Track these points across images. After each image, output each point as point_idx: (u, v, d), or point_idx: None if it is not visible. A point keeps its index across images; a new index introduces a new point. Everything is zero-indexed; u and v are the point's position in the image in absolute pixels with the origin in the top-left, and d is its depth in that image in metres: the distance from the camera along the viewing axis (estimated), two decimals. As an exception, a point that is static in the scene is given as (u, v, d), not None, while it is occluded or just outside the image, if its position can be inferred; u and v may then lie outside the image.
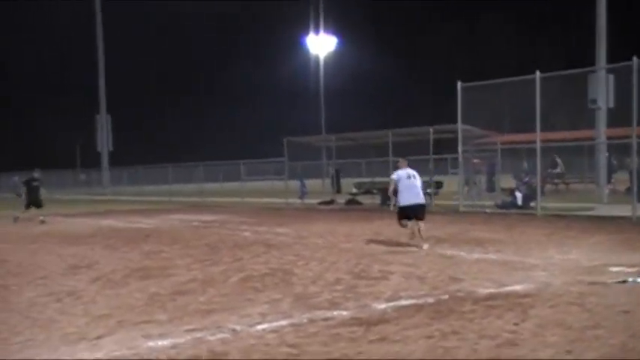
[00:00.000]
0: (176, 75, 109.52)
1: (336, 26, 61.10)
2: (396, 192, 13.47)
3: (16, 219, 23.23)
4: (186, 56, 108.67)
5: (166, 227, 20.27)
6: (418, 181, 13.30)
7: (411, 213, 13.12)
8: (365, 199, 28.46)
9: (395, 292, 8.37)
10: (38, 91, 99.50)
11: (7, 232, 20.11)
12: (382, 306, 7.53)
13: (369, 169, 31.70)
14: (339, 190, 31.75)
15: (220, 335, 6.38)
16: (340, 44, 61.83)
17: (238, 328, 6.65)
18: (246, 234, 17.04)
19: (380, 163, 28.53)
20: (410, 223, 13.28)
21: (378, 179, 29.05)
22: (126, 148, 63.70)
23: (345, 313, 7.22)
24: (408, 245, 13.14)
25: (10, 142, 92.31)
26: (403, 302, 7.70)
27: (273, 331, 6.50)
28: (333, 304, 7.69)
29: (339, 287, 8.82)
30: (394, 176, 13.51)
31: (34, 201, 23.66)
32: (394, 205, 14.31)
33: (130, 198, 44.50)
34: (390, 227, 13.67)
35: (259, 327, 6.68)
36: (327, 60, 60.36)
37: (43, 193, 24.30)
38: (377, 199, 27.13)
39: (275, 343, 6.04)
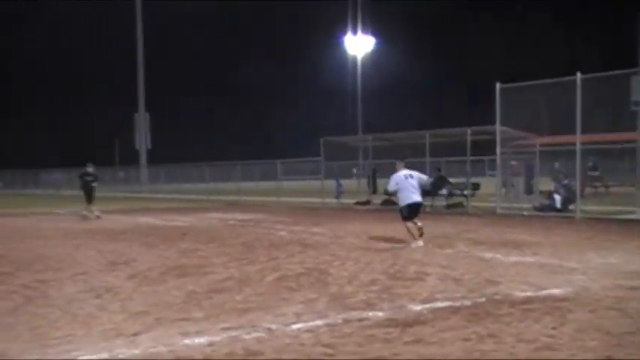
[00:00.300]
0: (214, 74, 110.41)
1: (374, 26, 60.97)
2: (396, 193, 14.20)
3: (84, 217, 23.49)
4: (224, 56, 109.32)
5: (203, 225, 20.42)
6: (415, 181, 13.99)
7: (411, 211, 13.86)
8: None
9: (431, 293, 8.33)
10: (78, 88, 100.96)
11: (48, 227, 20.45)
12: (418, 307, 7.49)
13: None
14: (375, 191, 31.64)
15: (256, 334, 6.41)
16: (378, 44, 61.68)
17: (274, 327, 6.67)
18: (283, 233, 17.09)
19: (417, 164, 28.38)
20: (410, 223, 13.88)
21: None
22: (164, 146, 64.30)
23: (380, 313, 7.20)
24: (445, 247, 13.07)
25: (51, 139, 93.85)
26: (439, 304, 7.65)
27: (309, 330, 6.51)
28: (369, 305, 7.68)
29: (374, 288, 8.80)
30: (393, 179, 14.09)
31: (86, 194, 24.02)
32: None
33: (167, 196, 44.96)
34: (426, 227, 13.60)
35: (294, 326, 6.69)
36: (364, 60, 60.29)
37: (97, 188, 24.62)
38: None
39: (310, 343, 6.05)
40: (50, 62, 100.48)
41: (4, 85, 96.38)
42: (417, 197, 13.95)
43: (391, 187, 14.13)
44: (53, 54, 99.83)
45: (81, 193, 24.84)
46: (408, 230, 13.88)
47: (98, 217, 23.10)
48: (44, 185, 62.03)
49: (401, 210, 14.09)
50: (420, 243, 13.42)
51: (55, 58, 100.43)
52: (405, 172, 14.09)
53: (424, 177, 14.65)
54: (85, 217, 23.36)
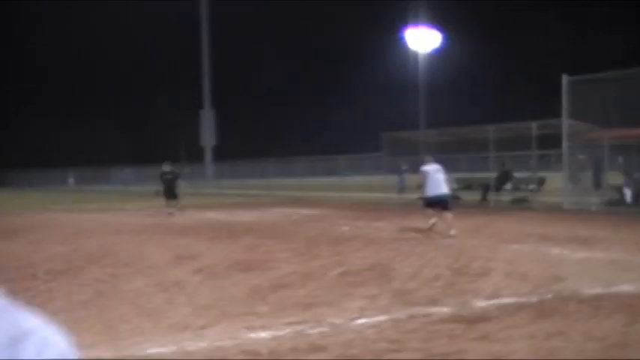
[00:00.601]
0: (278, 71, 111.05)
1: (437, 20, 60.39)
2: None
3: (170, 214, 23.93)
4: (286, 52, 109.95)
5: (267, 221, 20.60)
6: (442, 175, 14.98)
7: (436, 203, 14.87)
8: (465, 195, 28.04)
9: (496, 289, 8.23)
10: (144, 85, 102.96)
11: (118, 222, 20.96)
12: (483, 303, 7.42)
13: (468, 165, 31.21)
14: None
15: (320, 329, 6.44)
16: (441, 38, 61.09)
17: (338, 322, 6.70)
18: (346, 228, 17.11)
19: (480, 159, 28.02)
20: (432, 212, 14.93)
21: (478, 175, 28.56)
22: (229, 143, 65.03)
23: (444, 309, 7.15)
24: (510, 242, 12.89)
25: (121, 137, 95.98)
26: (504, 300, 7.56)
27: (373, 326, 6.51)
28: (433, 301, 7.63)
29: (438, 283, 8.75)
30: (424, 170, 15.16)
31: (166, 192, 24.48)
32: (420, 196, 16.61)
33: (232, 192, 45.48)
34: (491, 223, 13.41)
35: (358, 321, 6.70)
36: (427, 54, 59.79)
37: (180, 185, 25.03)
38: (477, 195, 26.68)
39: (374, 338, 6.05)
40: (121, 61, 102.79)
41: (78, 87, 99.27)
42: (442, 190, 14.86)
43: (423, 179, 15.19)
44: (125, 54, 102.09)
45: (160, 190, 25.22)
46: (429, 220, 14.92)
47: (170, 214, 23.45)
48: (114, 182, 63.50)
49: (426, 201, 15.23)
50: (453, 232, 14.19)
51: (125, 58, 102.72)
52: (435, 166, 15.12)
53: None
54: (171, 214, 23.64)
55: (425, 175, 14.98)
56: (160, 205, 25.14)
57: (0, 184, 70.45)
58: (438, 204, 14.79)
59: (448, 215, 14.60)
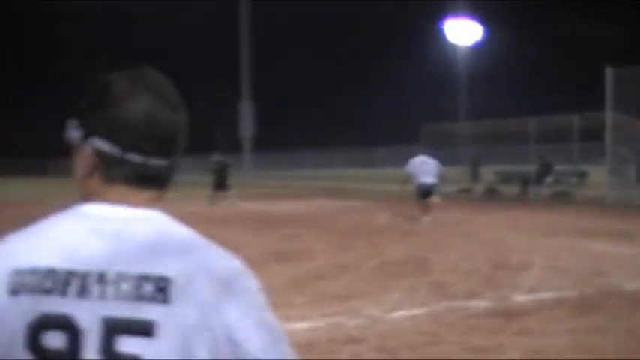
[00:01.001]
0: (317, 62, 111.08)
1: (477, 12, 59.74)
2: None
3: (212, 203, 24.14)
4: (325, 44, 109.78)
5: (305, 212, 20.66)
6: (429, 166, 16.62)
7: (423, 190, 16.47)
8: (504, 188, 27.79)
9: (535, 283, 8.14)
10: (183, 76, 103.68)
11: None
12: (522, 297, 7.35)
13: (508, 158, 30.90)
14: (477, 179, 31.15)
15: (357, 320, 6.45)
16: (481, 31, 60.45)
17: (375, 313, 6.69)
18: (383, 220, 17.09)
19: (520, 151, 27.74)
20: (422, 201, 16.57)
21: (517, 167, 28.26)
22: (267, 133, 65.28)
23: (483, 303, 7.10)
24: (550, 236, 12.75)
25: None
26: (544, 294, 7.48)
27: (410, 318, 6.50)
28: (471, 294, 7.58)
29: (476, 276, 8.69)
30: (410, 163, 17.11)
31: (216, 184, 24.69)
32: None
33: (270, 182, 45.69)
34: (530, 217, 13.26)
35: (396, 314, 6.69)
36: (467, 46, 59.25)
37: (232, 175, 25.23)
38: (516, 188, 26.41)
39: (411, 331, 6.03)
40: (161, 50, 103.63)
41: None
42: (427, 179, 16.46)
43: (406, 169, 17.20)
44: (164, 43, 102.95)
45: (210, 180, 25.40)
46: (419, 207, 16.55)
47: (213, 203, 23.59)
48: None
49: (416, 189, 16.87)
50: (427, 219, 15.89)
51: (163, 48, 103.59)
52: (422, 158, 16.90)
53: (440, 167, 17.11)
54: (233, 204, 23.79)
55: (412, 167, 16.85)
56: (204, 195, 25.29)
57: (42, 173, 71.65)
58: (424, 191, 16.48)
59: (431, 201, 16.50)
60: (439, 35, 62.35)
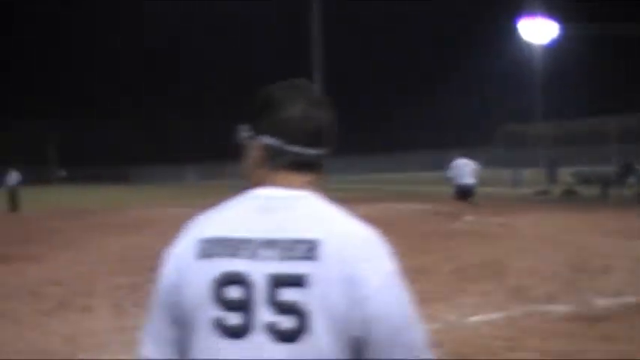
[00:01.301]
0: (385, 63, 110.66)
1: (553, 11, 58.44)
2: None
3: None
4: (393, 43, 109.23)
5: (378, 215, 20.58)
6: (470, 167, 18.41)
7: (460, 192, 18.46)
8: (583, 190, 27.09)
9: (618, 287, 7.91)
10: (252, 77, 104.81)
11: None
12: (604, 302, 7.15)
13: (586, 158, 30.13)
14: (554, 180, 30.48)
15: (434, 325, 6.39)
16: (557, 30, 59.10)
17: (452, 318, 6.63)
18: (459, 223, 16.89)
19: (599, 152, 27.02)
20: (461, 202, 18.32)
21: (597, 168, 27.52)
22: (338, 136, 65.46)
23: (563, 307, 6.95)
24: (634, 239, 12.37)
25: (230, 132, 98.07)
26: (628, 299, 7.26)
27: (488, 323, 6.42)
28: (550, 298, 7.42)
29: (556, 280, 8.50)
30: (453, 167, 18.91)
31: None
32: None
33: (341, 186, 45.76)
34: (611, 219, 12.87)
35: (473, 318, 6.62)
36: (543, 45, 58.07)
37: None
38: (596, 190, 25.69)
39: (489, 336, 5.96)
40: (227, 57, 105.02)
41: (191, 84, 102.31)
42: (466, 180, 18.25)
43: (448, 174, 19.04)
44: (231, 49, 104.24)
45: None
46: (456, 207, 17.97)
47: None
48: (230, 176, 65.27)
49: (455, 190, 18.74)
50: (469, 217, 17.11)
51: (231, 54, 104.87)
52: (464, 160, 18.59)
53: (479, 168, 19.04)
54: None
55: (454, 168, 18.67)
56: None
57: (123, 180, 73.73)
58: (463, 192, 18.25)
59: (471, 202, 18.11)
60: (514, 34, 61.29)
